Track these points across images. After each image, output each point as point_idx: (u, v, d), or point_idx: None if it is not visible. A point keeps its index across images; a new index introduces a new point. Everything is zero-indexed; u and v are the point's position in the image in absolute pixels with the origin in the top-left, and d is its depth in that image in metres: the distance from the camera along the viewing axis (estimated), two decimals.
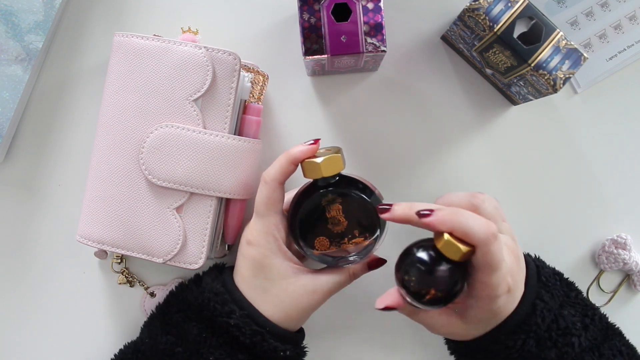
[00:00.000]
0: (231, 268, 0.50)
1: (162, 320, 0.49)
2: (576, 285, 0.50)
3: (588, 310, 0.48)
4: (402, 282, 0.42)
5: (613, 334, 0.49)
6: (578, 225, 0.56)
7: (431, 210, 0.41)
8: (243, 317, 0.46)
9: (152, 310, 0.51)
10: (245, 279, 0.47)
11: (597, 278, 0.56)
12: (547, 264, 0.51)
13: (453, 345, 0.50)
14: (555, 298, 0.47)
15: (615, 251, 0.54)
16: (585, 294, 0.56)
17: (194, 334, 0.46)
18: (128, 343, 0.51)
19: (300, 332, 0.50)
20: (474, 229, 0.40)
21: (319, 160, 0.44)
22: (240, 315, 0.46)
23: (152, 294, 0.55)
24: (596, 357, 0.46)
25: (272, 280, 0.46)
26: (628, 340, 0.49)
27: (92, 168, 0.51)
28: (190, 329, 0.47)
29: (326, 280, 0.47)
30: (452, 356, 0.51)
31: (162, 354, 0.47)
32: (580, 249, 0.56)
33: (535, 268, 0.48)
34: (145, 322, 0.51)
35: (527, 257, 0.50)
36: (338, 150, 0.46)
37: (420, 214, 0.41)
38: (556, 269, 0.50)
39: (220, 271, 0.50)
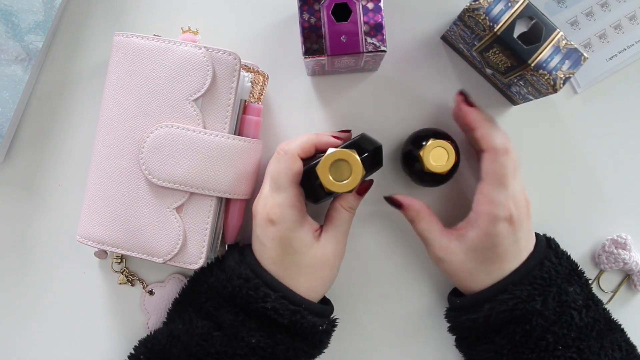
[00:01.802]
0: (250, 247, 0.49)
1: (193, 307, 0.49)
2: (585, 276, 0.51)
3: (593, 296, 0.49)
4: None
5: (615, 328, 0.49)
6: (578, 225, 0.56)
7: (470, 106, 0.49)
8: (278, 299, 0.46)
9: (176, 297, 0.51)
10: (276, 261, 0.47)
11: (597, 278, 0.56)
12: None
13: (459, 303, 0.50)
14: (564, 266, 0.48)
15: (615, 251, 0.54)
16: None
17: (230, 319, 0.46)
18: (156, 330, 0.50)
19: (330, 305, 0.51)
20: (493, 135, 0.47)
21: (346, 187, 0.46)
22: (275, 297, 0.46)
23: (151, 292, 0.55)
24: (597, 347, 0.46)
25: (302, 253, 0.47)
26: (629, 338, 0.49)
27: (92, 168, 0.51)
28: (224, 314, 0.47)
29: (336, 225, 0.49)
30: (454, 333, 0.51)
31: (199, 338, 0.46)
32: (580, 249, 0.56)
33: (546, 240, 0.50)
34: (171, 309, 0.51)
35: (537, 233, 0.52)
36: (357, 159, 0.46)
37: (462, 99, 0.50)
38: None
39: (241, 252, 0.49)
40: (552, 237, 0.52)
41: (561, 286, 0.47)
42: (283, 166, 0.47)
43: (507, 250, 0.47)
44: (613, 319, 0.50)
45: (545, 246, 0.49)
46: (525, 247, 0.48)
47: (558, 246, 0.50)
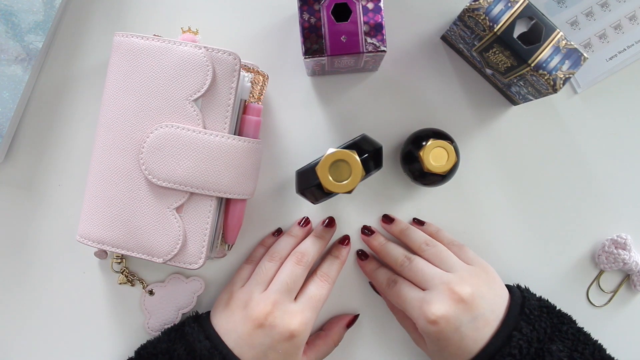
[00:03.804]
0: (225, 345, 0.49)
1: None
2: (570, 317, 0.50)
3: (579, 344, 0.48)
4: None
5: None
6: (578, 225, 0.56)
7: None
8: None
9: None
10: None
11: (597, 278, 0.56)
12: (538, 295, 0.51)
13: None
14: (538, 330, 0.47)
15: (615, 251, 0.54)
16: (585, 295, 0.56)
17: None
18: None
19: None
20: (375, 280, 0.53)
21: (345, 188, 0.47)
22: None
23: (151, 292, 0.55)
24: None
25: None
26: None
27: (92, 168, 0.51)
28: None
29: (319, 354, 0.53)
30: None
31: None
32: (580, 249, 0.56)
33: (521, 299, 0.49)
34: None
35: (514, 287, 0.51)
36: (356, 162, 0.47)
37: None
38: (549, 300, 0.51)
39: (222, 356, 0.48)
40: (527, 293, 0.50)
41: (543, 347, 0.47)
42: (302, 274, 0.50)
43: (460, 341, 0.47)
44: (607, 356, 0.49)
45: (518, 312, 0.48)
46: (490, 320, 0.47)
47: (534, 305, 0.49)
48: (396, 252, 0.52)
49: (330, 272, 0.52)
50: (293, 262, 0.51)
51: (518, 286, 0.52)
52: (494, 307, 0.48)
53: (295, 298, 0.50)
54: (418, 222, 0.55)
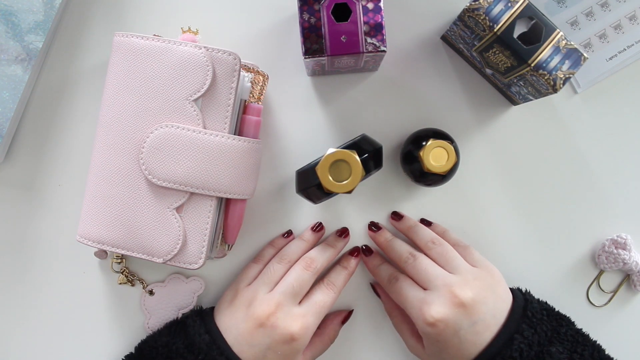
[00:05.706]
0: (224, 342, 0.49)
1: None
2: (569, 319, 0.50)
3: (578, 346, 0.48)
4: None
5: None
6: (578, 225, 0.56)
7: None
8: None
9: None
10: None
11: (597, 278, 0.56)
12: (538, 298, 0.51)
13: None
14: (539, 334, 0.47)
15: (615, 251, 0.54)
16: (585, 295, 0.56)
17: None
18: None
19: None
20: (378, 275, 0.53)
21: (345, 188, 0.47)
22: None
23: (151, 292, 0.55)
24: None
25: None
26: None
27: (92, 168, 0.51)
28: None
29: (316, 352, 0.52)
30: None
31: None
32: (580, 249, 0.56)
33: (523, 302, 0.49)
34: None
35: (516, 291, 0.51)
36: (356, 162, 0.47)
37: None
38: (548, 303, 0.51)
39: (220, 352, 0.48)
40: (529, 296, 0.51)
41: (543, 350, 0.47)
42: (310, 279, 0.50)
43: (460, 344, 0.47)
44: (606, 356, 0.49)
45: (520, 316, 0.48)
46: (491, 325, 0.47)
47: (536, 308, 0.49)
48: (401, 249, 0.52)
49: (337, 281, 0.52)
50: (302, 266, 0.50)
51: (519, 289, 0.52)
52: (495, 312, 0.48)
53: (300, 302, 0.50)
54: (425, 223, 0.55)
